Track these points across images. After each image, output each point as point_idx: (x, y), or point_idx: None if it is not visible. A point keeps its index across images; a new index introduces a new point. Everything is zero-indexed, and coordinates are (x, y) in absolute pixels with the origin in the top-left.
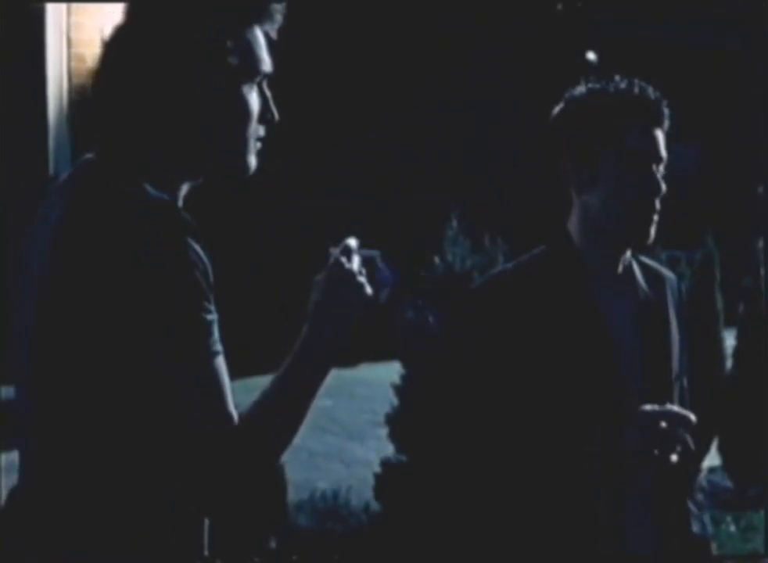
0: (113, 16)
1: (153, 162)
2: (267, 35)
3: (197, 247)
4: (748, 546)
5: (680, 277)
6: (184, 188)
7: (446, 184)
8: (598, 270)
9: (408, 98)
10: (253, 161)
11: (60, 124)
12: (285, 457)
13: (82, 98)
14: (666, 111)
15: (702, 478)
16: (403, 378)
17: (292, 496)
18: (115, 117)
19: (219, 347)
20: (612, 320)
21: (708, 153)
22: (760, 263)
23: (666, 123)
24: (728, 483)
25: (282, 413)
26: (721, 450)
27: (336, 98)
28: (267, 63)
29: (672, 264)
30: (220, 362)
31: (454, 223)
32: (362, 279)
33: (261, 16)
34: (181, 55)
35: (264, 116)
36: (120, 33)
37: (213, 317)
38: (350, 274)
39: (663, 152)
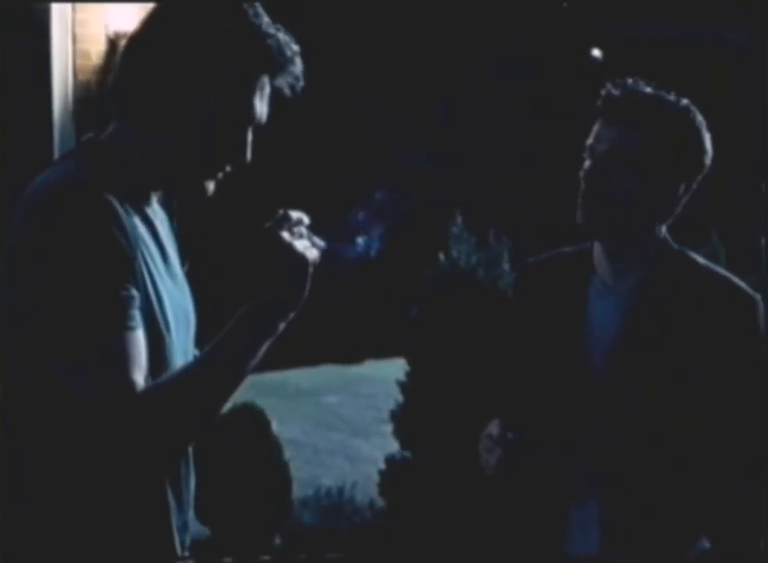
0: (117, 12)
1: (127, 171)
2: (276, 88)
3: (113, 222)
4: None
5: None
6: (154, 198)
7: (450, 181)
8: (600, 265)
9: (413, 96)
10: (211, 187)
11: (65, 121)
12: (290, 454)
13: (87, 94)
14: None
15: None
16: (408, 374)
17: (297, 492)
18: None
19: (134, 323)
20: (594, 318)
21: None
22: (762, 261)
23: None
24: None
25: (200, 383)
26: None
27: (339, 97)
28: (262, 115)
29: None
30: (134, 336)
31: (459, 219)
32: (300, 245)
33: (274, 68)
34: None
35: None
36: (135, 43)
37: (129, 293)
38: (284, 242)
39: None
